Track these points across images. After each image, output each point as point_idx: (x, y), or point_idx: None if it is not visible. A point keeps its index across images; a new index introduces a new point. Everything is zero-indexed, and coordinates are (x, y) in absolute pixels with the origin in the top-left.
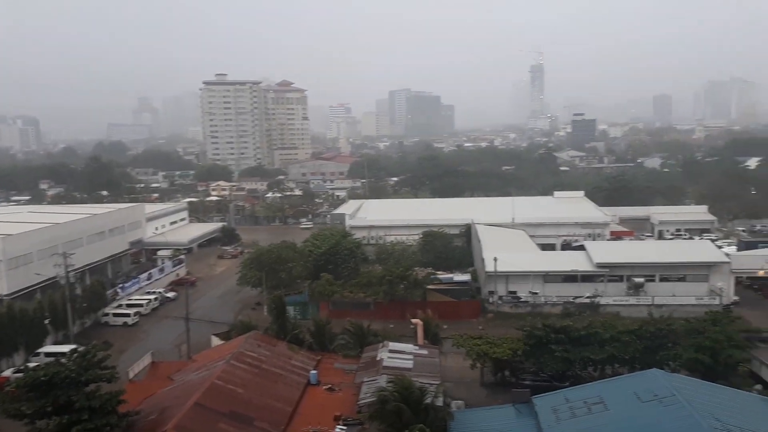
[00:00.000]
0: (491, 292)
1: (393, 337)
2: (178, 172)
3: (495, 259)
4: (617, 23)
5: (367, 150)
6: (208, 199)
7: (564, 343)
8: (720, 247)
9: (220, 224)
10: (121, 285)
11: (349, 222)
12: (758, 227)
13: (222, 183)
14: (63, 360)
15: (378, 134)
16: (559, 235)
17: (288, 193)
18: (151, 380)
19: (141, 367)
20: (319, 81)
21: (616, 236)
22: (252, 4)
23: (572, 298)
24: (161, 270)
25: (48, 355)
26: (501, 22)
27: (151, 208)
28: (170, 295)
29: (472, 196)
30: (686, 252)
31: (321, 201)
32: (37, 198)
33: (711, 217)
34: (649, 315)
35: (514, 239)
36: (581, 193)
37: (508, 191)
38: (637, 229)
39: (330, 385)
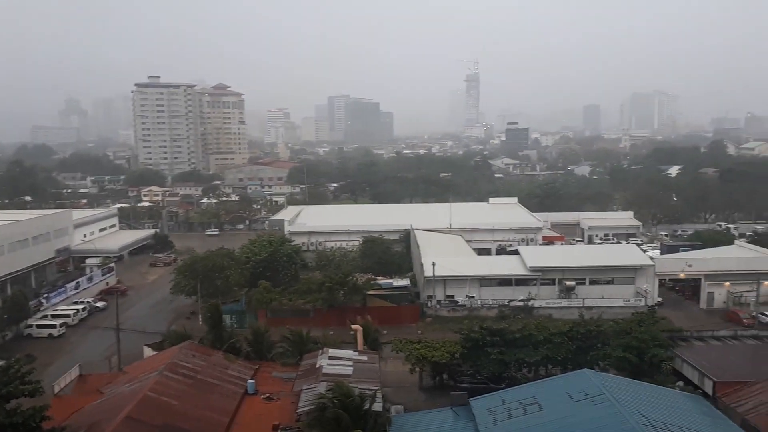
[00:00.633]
0: (430, 297)
1: (333, 344)
2: (108, 177)
3: (433, 264)
4: (543, 28)
5: (306, 155)
6: (139, 204)
7: (500, 346)
8: (645, 251)
9: (152, 231)
10: (45, 295)
11: (288, 228)
12: (679, 232)
13: (154, 188)
14: None
15: (317, 140)
16: (494, 240)
17: (224, 199)
18: (79, 394)
19: (68, 381)
20: (258, 86)
21: (548, 241)
22: (193, 7)
23: (507, 302)
24: (90, 279)
25: None
26: (439, 28)
27: (79, 215)
28: (99, 304)
29: (410, 202)
30: (614, 256)
31: (259, 207)
32: None
33: (636, 222)
34: (580, 317)
35: (451, 244)
36: (515, 199)
37: (445, 197)
38: (568, 234)
39: (268, 394)
